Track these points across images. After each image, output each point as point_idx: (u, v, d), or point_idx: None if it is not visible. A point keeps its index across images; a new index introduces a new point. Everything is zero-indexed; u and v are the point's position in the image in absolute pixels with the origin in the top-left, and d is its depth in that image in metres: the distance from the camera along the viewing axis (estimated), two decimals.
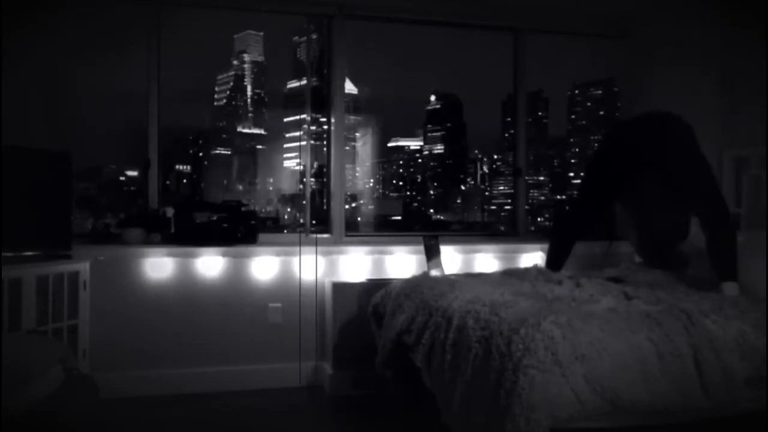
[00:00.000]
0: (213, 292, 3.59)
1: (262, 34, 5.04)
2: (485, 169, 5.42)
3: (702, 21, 3.83)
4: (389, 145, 5.41)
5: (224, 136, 4.88)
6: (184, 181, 4.61)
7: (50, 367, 1.85)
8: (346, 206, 4.11)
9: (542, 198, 5.16)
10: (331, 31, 4.02)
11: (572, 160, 5.43)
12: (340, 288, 3.57)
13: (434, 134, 5.49)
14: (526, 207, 4.42)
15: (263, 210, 4.52)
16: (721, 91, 3.73)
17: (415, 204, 5.33)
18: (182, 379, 3.49)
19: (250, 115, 5.00)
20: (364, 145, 4.95)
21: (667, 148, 2.87)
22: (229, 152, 4.82)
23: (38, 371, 1.79)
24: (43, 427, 1.72)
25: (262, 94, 5.08)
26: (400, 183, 5.38)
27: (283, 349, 3.66)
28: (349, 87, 4.33)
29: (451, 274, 3.32)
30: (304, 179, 4.03)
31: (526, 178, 4.42)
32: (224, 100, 4.98)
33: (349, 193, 4.44)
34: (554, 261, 3.27)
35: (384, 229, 4.67)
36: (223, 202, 3.82)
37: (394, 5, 4.02)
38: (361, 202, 4.92)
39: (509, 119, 4.58)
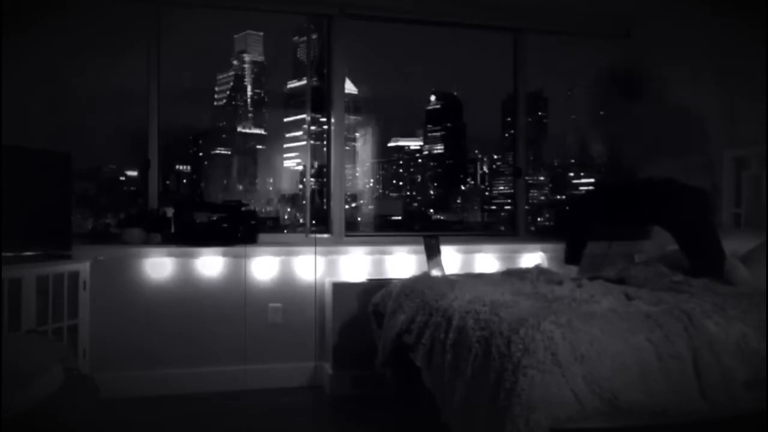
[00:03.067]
0: (213, 292, 3.59)
1: (262, 34, 5.04)
2: (485, 169, 5.42)
3: (702, 21, 3.83)
4: (389, 145, 5.41)
5: (224, 136, 4.88)
6: (184, 181, 4.61)
7: (50, 367, 1.85)
8: (346, 206, 4.11)
9: (542, 198, 5.16)
10: (331, 31, 4.02)
11: (572, 160, 5.43)
12: (340, 288, 3.57)
13: (434, 134, 5.48)
14: (526, 207, 4.42)
15: (263, 210, 4.52)
16: (721, 91, 3.73)
17: (415, 204, 5.33)
18: (182, 379, 3.49)
19: (250, 115, 5.00)
20: (364, 145, 4.95)
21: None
22: (229, 152, 4.82)
23: (38, 371, 1.79)
24: (43, 427, 1.71)
25: (262, 94, 5.08)
26: (400, 183, 5.38)
27: (283, 349, 3.66)
28: (349, 87, 4.33)
29: (451, 274, 3.33)
30: (304, 179, 4.03)
31: (526, 178, 4.42)
32: (224, 100, 4.98)
33: (349, 193, 4.44)
34: (572, 254, 3.31)
35: (384, 229, 4.67)
36: (223, 202, 3.82)
37: (393, 5, 4.01)
38: (361, 202, 4.91)
39: (509, 119, 4.58)
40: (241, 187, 4.79)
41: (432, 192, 5.36)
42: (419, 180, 5.38)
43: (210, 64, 4.82)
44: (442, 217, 5.24)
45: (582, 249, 3.28)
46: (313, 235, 3.87)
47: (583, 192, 5.12)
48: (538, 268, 3.17)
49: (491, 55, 4.68)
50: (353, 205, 4.71)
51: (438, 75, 5.32)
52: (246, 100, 5.00)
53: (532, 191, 4.78)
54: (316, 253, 3.75)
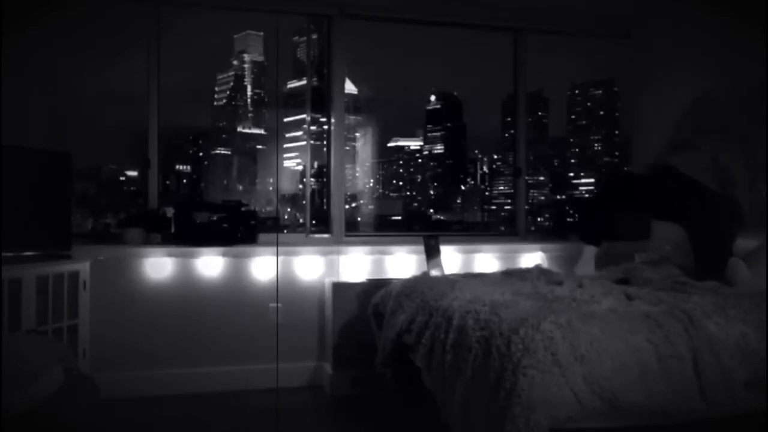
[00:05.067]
0: (213, 292, 3.59)
1: (262, 34, 5.04)
2: (485, 169, 5.42)
3: (702, 21, 3.83)
4: (389, 145, 5.41)
5: (224, 136, 4.88)
6: (184, 181, 4.61)
7: (50, 367, 1.85)
8: (346, 206, 4.11)
9: (542, 198, 5.16)
10: (331, 31, 4.02)
11: (572, 160, 5.43)
12: (340, 288, 3.57)
13: (434, 134, 5.49)
14: (526, 207, 4.42)
15: (263, 210, 4.51)
16: (721, 91, 3.73)
17: (415, 204, 5.33)
18: (182, 379, 3.49)
19: (250, 115, 5.00)
20: (364, 145, 4.95)
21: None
22: (229, 152, 4.82)
23: (38, 371, 1.79)
24: (43, 427, 1.71)
25: (262, 94, 5.08)
26: (400, 183, 5.38)
27: (283, 349, 3.66)
28: (349, 87, 4.33)
29: (451, 274, 3.32)
30: (304, 179, 4.03)
31: (526, 178, 4.42)
32: (224, 100, 4.98)
33: (349, 193, 4.44)
34: (593, 233, 3.33)
35: (384, 229, 4.67)
36: (223, 202, 3.82)
37: (394, 5, 4.02)
38: (361, 202, 4.91)
39: (509, 119, 4.58)
40: (241, 187, 4.79)
41: (432, 192, 5.36)
42: (419, 180, 5.38)
43: (210, 64, 4.83)
44: (442, 217, 5.24)
45: (602, 229, 3.28)
46: (313, 236, 3.87)
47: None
48: (538, 268, 3.17)
49: (491, 55, 4.68)
50: (353, 205, 4.71)
51: (438, 75, 5.33)
52: (246, 100, 5.00)
53: (532, 191, 4.78)
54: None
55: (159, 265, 3.52)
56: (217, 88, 4.99)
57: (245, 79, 5.02)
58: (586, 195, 5.30)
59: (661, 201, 3.14)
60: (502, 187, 5.19)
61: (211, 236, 3.58)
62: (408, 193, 5.36)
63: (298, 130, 4.42)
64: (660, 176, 3.20)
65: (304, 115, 4.06)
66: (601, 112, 5.40)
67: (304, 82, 4.12)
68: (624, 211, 3.37)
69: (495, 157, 5.40)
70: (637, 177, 3.54)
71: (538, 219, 4.94)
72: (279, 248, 3.71)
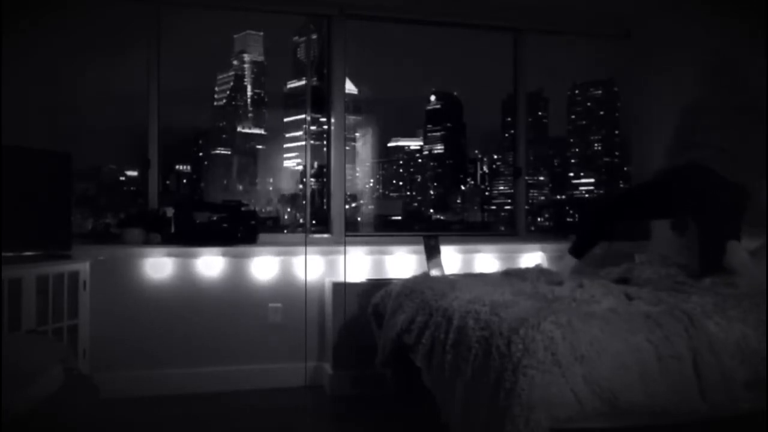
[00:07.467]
0: (213, 292, 3.59)
1: (262, 34, 5.04)
2: (485, 169, 5.42)
3: (702, 21, 3.84)
4: (389, 145, 5.42)
5: (224, 136, 4.88)
6: (184, 181, 4.61)
7: (50, 367, 1.85)
8: (346, 206, 4.11)
9: (542, 198, 5.17)
10: (331, 31, 4.02)
11: (572, 160, 5.43)
12: (340, 288, 3.57)
13: (434, 134, 5.49)
14: (526, 207, 4.42)
15: (263, 210, 4.52)
16: (721, 91, 3.73)
17: (415, 204, 5.34)
18: (182, 379, 3.49)
19: (250, 115, 5.00)
20: (364, 145, 4.95)
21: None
22: (229, 152, 4.82)
23: (38, 371, 1.79)
24: (43, 427, 1.71)
25: (262, 94, 5.08)
26: (400, 183, 5.38)
27: (283, 349, 3.66)
28: (349, 87, 4.33)
29: (451, 274, 3.32)
30: (304, 179, 4.03)
31: (526, 178, 4.42)
32: (224, 100, 4.98)
33: (349, 193, 4.44)
34: (579, 248, 3.30)
35: (384, 229, 4.67)
36: (223, 202, 3.82)
37: (393, 5, 4.02)
38: (361, 202, 4.92)
39: (509, 119, 4.59)
40: (241, 187, 4.79)
41: (432, 192, 5.37)
42: (419, 180, 5.38)
43: (210, 64, 4.83)
44: (442, 217, 5.25)
45: (590, 247, 3.27)
46: (313, 236, 3.88)
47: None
48: (538, 268, 3.17)
49: (491, 55, 4.68)
50: (353, 205, 4.71)
51: (438, 75, 5.33)
52: (246, 100, 5.01)
53: (532, 191, 4.78)
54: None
55: (159, 265, 3.52)
56: (217, 88, 5.00)
57: (245, 79, 5.03)
58: (587, 195, 5.30)
59: (673, 201, 3.10)
60: (502, 187, 5.19)
61: (211, 236, 3.58)
62: (408, 193, 5.36)
63: (298, 130, 4.43)
64: (687, 177, 3.14)
65: (304, 115, 4.06)
66: (601, 112, 5.41)
67: (304, 82, 4.13)
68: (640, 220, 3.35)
69: (495, 157, 5.40)
70: (642, 186, 3.48)
71: (538, 219, 4.95)
72: (278, 248, 3.72)
